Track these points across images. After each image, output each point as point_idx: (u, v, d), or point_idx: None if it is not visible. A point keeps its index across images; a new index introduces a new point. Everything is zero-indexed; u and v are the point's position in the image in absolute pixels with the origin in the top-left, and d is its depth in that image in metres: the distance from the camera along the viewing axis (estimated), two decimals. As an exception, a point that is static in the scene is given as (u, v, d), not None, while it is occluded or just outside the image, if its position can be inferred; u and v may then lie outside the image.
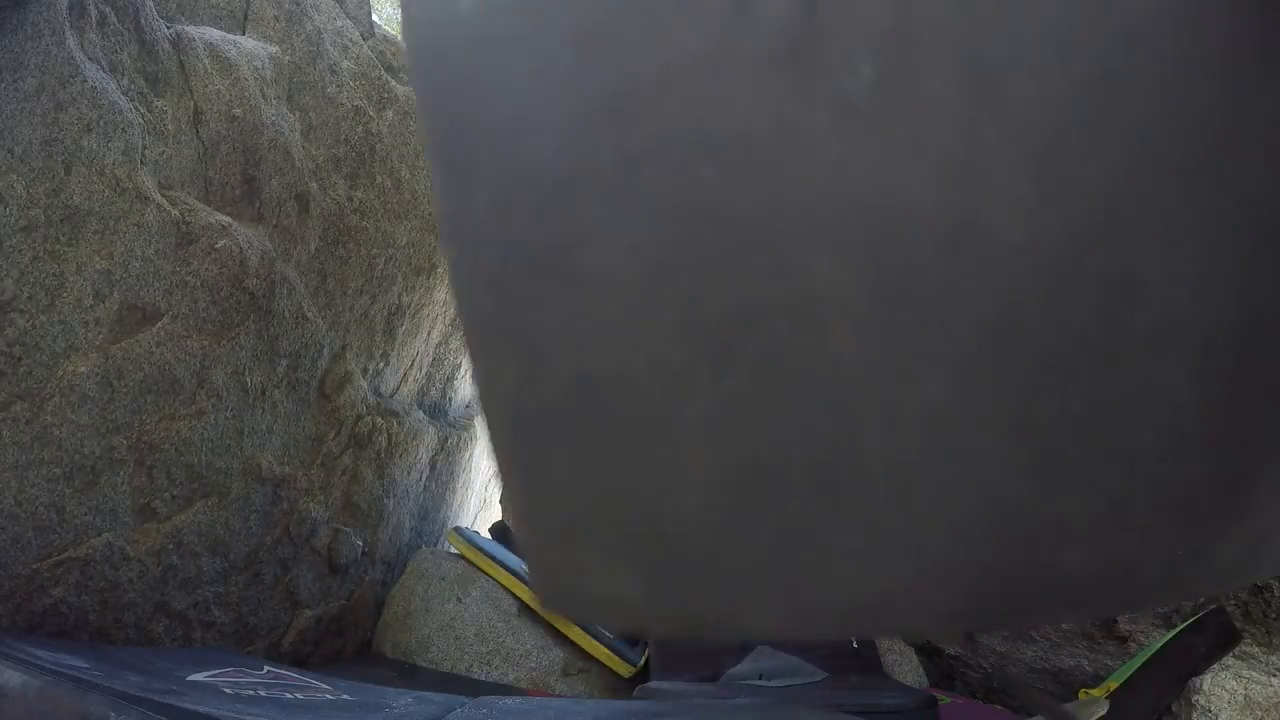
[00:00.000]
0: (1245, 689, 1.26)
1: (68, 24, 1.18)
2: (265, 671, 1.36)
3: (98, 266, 1.24)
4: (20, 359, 1.16)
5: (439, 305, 2.58)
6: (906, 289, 0.33)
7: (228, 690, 1.07)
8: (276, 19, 1.73)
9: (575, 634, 2.08)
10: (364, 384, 2.06)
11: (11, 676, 0.87)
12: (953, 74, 0.31)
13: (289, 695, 1.16)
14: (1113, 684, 1.05)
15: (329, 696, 1.20)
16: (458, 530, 2.66)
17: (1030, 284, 0.32)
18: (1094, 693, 1.04)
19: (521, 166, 0.43)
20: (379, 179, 2.01)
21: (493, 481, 3.26)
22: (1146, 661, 1.07)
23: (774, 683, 1.65)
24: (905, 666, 1.98)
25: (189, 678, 1.13)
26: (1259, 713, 1.24)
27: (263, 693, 1.12)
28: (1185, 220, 0.31)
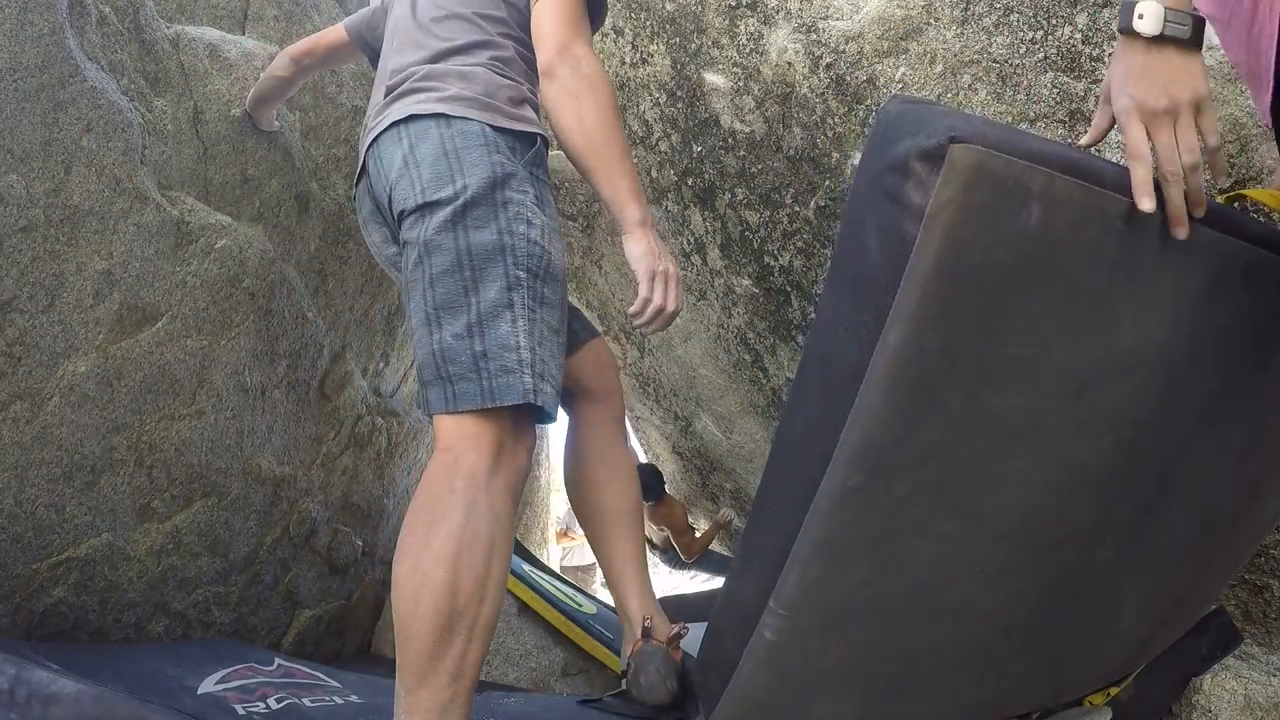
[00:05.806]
0: (1245, 689, 1.26)
1: (68, 24, 1.18)
2: (276, 666, 1.36)
3: (98, 266, 1.24)
4: (20, 359, 1.16)
5: (439, 305, 2.57)
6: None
7: (239, 710, 1.07)
8: (276, 19, 1.73)
9: (575, 634, 2.08)
10: (364, 384, 2.06)
11: (65, 684, 0.88)
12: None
13: (299, 705, 1.15)
14: (1114, 689, 1.06)
15: (337, 701, 1.20)
16: (457, 530, 2.65)
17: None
18: (1095, 700, 1.05)
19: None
20: (379, 179, 2.01)
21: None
22: (1147, 664, 1.08)
23: None
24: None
25: (200, 690, 1.13)
26: (1259, 713, 1.24)
27: (273, 704, 1.12)
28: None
